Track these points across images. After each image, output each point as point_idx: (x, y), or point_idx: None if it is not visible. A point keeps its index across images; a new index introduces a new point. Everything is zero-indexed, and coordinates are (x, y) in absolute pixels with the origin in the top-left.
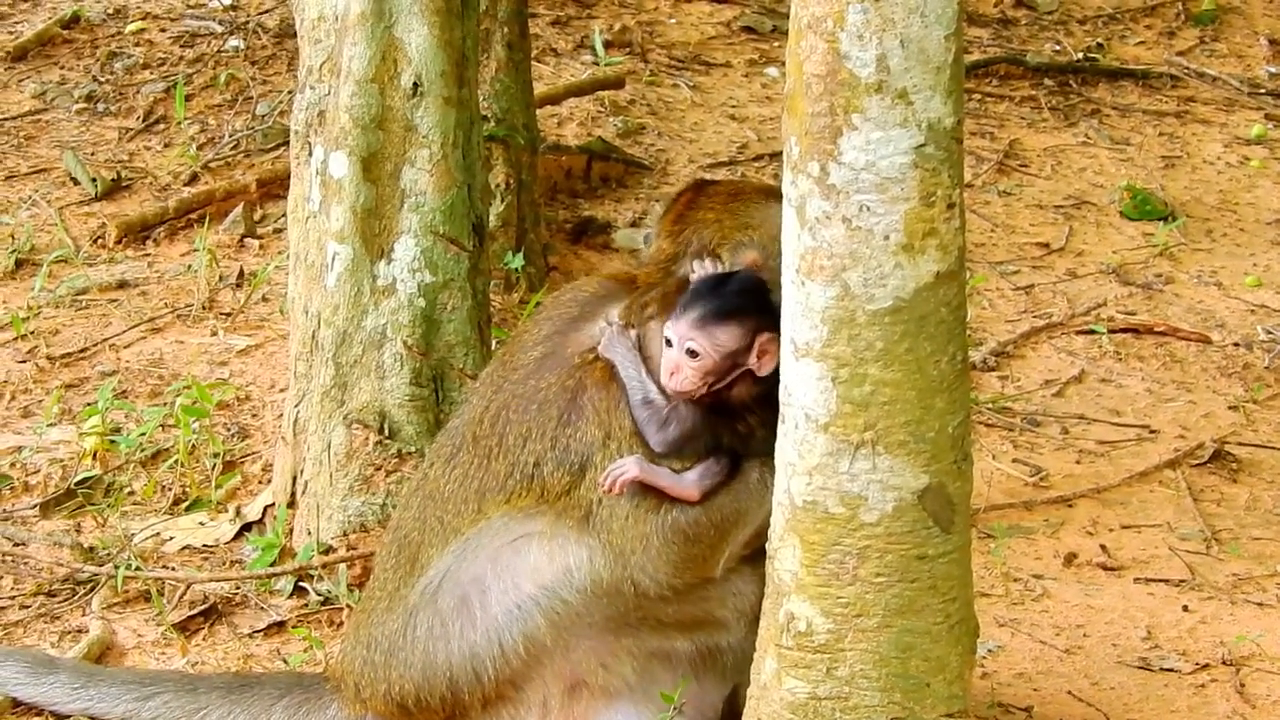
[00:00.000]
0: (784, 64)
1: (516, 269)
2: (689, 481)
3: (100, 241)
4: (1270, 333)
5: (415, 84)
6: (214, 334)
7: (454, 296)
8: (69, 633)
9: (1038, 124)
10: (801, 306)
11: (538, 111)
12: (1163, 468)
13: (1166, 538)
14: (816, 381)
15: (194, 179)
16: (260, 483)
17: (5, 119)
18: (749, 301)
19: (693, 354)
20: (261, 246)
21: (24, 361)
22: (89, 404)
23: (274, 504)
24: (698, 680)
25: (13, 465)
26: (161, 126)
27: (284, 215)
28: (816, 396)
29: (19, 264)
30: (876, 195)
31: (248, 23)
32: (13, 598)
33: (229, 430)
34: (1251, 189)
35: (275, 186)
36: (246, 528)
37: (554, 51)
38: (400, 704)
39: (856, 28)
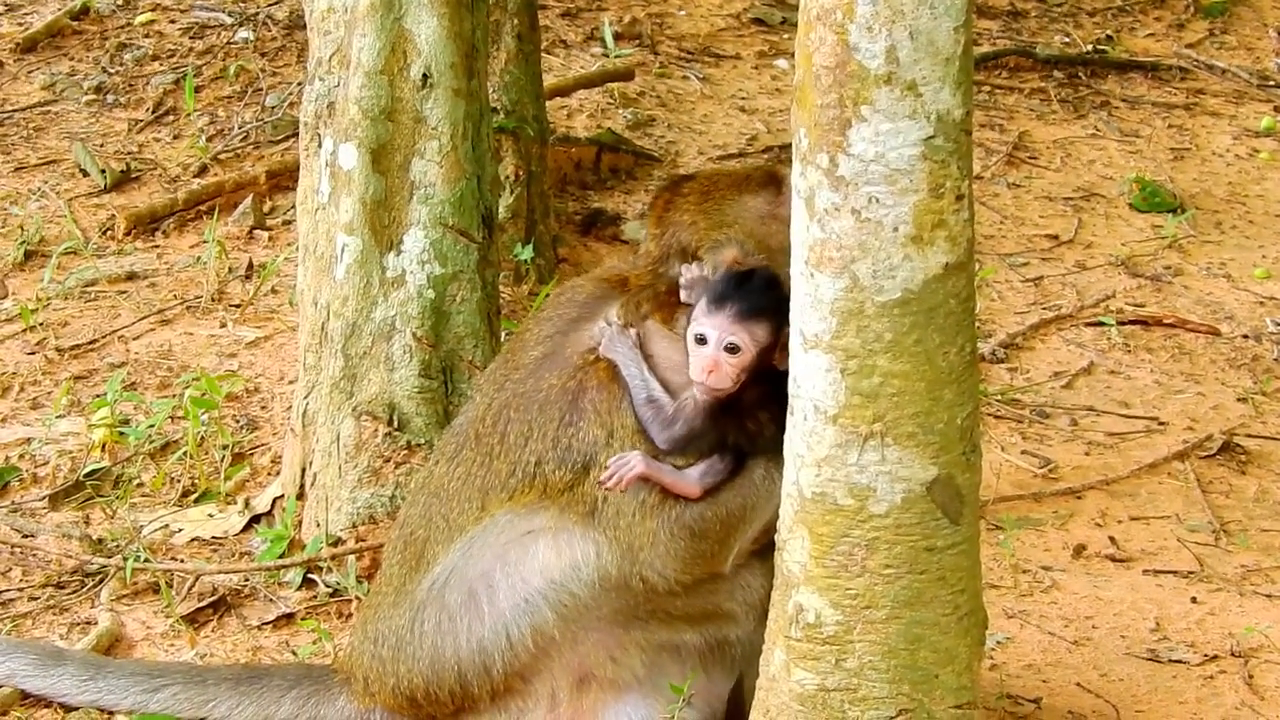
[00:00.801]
0: (793, 56)
1: (526, 260)
2: (691, 478)
3: (109, 233)
4: (1279, 325)
5: (425, 76)
6: (223, 326)
7: (463, 288)
8: (78, 624)
9: (1047, 116)
10: (810, 298)
11: (547, 103)
12: (1171, 459)
13: (1175, 529)
14: (825, 373)
15: (203, 171)
16: (269, 474)
17: (15, 110)
18: (775, 297)
19: (733, 350)
20: (271, 238)
21: (33, 353)
22: (98, 396)
23: (283, 496)
24: (706, 673)
25: (21, 457)
26: (171, 118)
27: (293, 207)
28: (825, 388)
29: (28, 255)
30: (885, 187)
31: (257, 14)
32: (21, 589)
33: (238, 422)
34: (1261, 181)
35: (284, 178)
36: (255, 519)
37: (564, 43)
38: (409, 698)
39: (866, 19)
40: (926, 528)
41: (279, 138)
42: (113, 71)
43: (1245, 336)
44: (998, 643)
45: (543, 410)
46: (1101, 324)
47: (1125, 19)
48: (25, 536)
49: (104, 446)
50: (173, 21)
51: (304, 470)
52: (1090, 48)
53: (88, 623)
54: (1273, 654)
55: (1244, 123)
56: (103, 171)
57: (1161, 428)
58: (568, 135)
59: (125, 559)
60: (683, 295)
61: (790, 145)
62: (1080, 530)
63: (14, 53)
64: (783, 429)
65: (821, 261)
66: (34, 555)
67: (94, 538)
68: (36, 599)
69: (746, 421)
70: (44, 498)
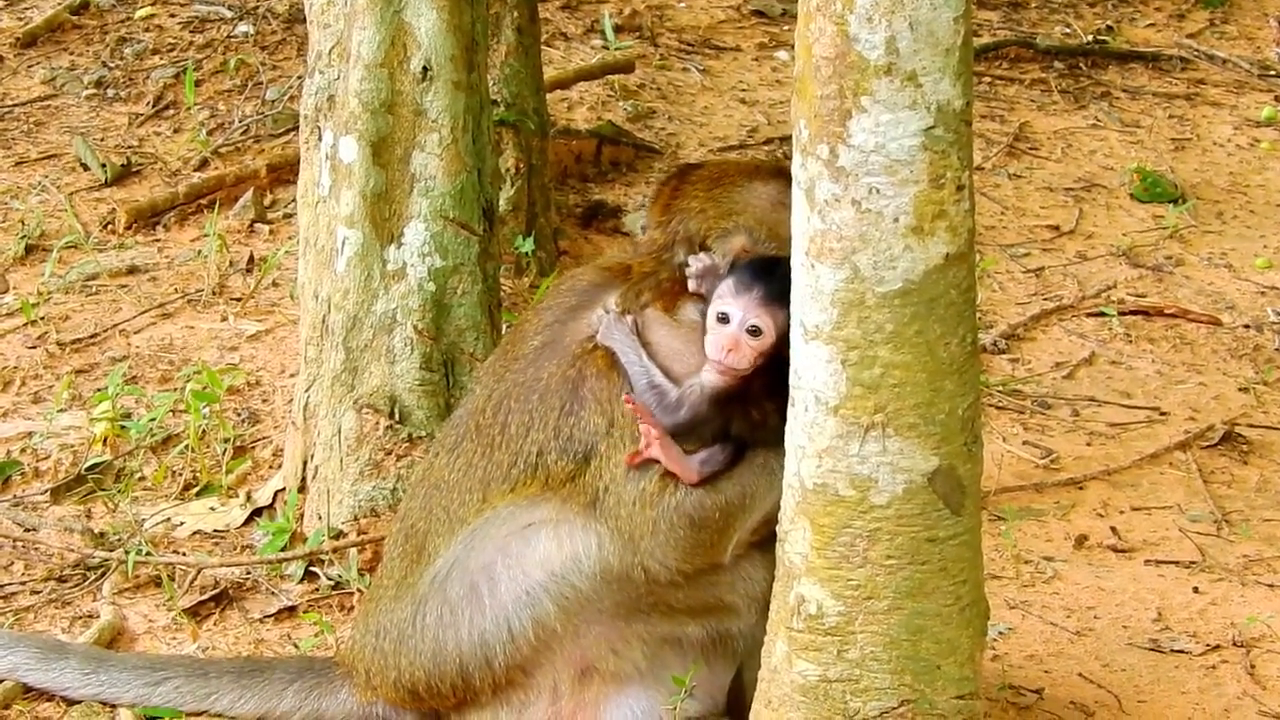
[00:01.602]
0: (793, 47)
1: (527, 253)
2: (692, 463)
3: (110, 227)
4: None
5: (425, 68)
6: (224, 319)
7: (464, 281)
8: (80, 618)
9: (1047, 107)
10: (811, 289)
11: (548, 96)
12: (1173, 450)
13: (1177, 519)
14: (826, 364)
15: (204, 164)
16: (271, 468)
17: (15, 105)
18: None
19: (755, 332)
20: (271, 231)
21: (34, 347)
22: (99, 389)
23: (284, 489)
24: (708, 665)
25: (23, 451)
26: (171, 112)
27: (294, 200)
28: (826, 379)
29: (29, 250)
30: (886, 178)
31: (257, 8)
32: (23, 583)
33: (239, 415)
34: (1262, 171)
35: (285, 171)
36: (257, 513)
37: (564, 36)
38: (411, 691)
39: (865, 10)
40: (928, 518)
41: (279, 131)
42: (113, 66)
43: (1246, 326)
44: (1000, 633)
45: (543, 399)
46: (1103, 314)
47: (1125, 9)
48: (27, 530)
49: (105, 440)
50: (173, 15)
51: (305, 463)
52: (1091, 38)
53: (90, 616)
54: (1275, 644)
55: (1245, 113)
56: (103, 166)
57: (1163, 418)
58: (568, 128)
59: (127, 552)
60: (691, 285)
61: (790, 137)
62: (1082, 521)
63: (14, 47)
64: (784, 421)
65: (822, 252)
66: (36, 549)
67: (96, 531)
68: (38, 593)
69: (751, 410)
70: (45, 492)
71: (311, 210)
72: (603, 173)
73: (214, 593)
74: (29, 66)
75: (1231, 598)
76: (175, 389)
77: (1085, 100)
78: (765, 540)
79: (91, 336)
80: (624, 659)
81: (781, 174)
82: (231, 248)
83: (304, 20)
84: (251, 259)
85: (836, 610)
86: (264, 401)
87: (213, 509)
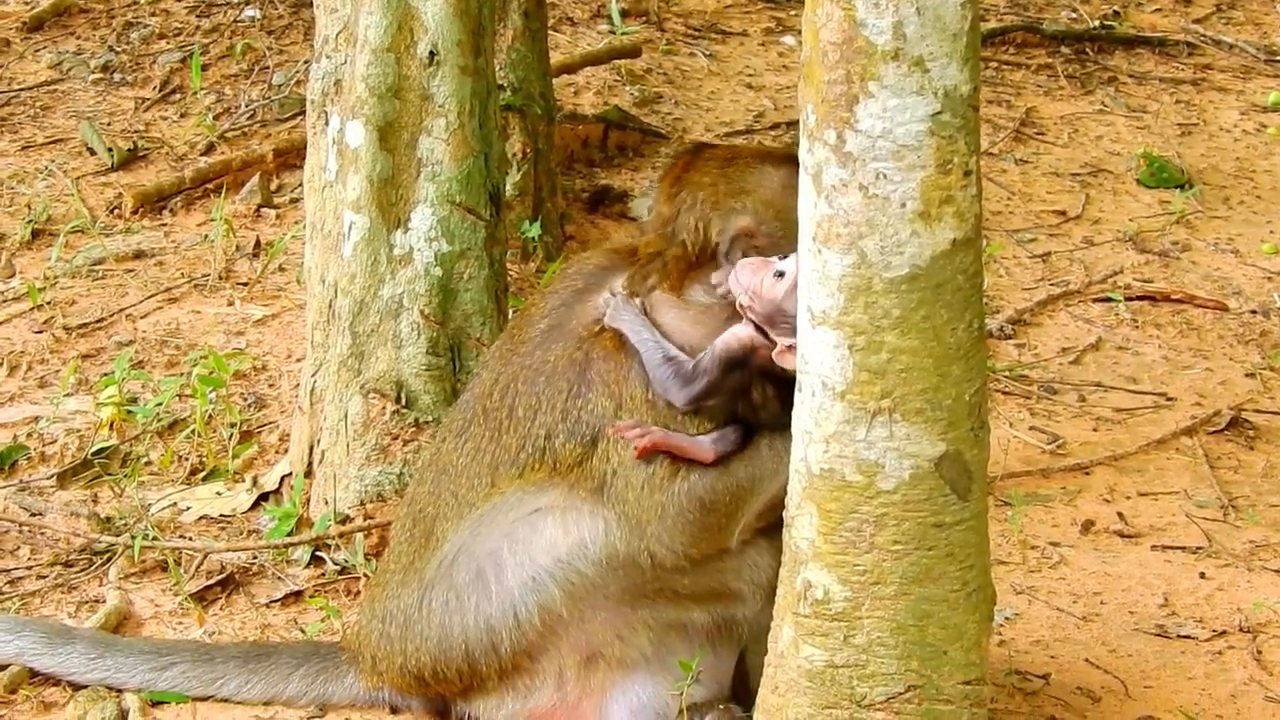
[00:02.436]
0: (800, 32)
1: (533, 238)
2: (705, 444)
3: (116, 212)
4: None
5: (431, 53)
6: (230, 304)
7: (471, 266)
8: (86, 603)
9: (1054, 92)
10: (818, 274)
11: (554, 80)
12: (1180, 435)
13: (1183, 505)
14: (833, 349)
15: (210, 149)
16: (277, 452)
17: (22, 89)
18: None
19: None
20: (278, 216)
21: (40, 332)
22: (106, 374)
23: (291, 474)
24: (714, 651)
25: (30, 436)
26: (178, 96)
27: (300, 185)
28: (833, 364)
29: (35, 234)
30: (893, 163)
31: None
32: (30, 568)
33: (246, 400)
34: (1268, 156)
35: (292, 156)
36: (263, 497)
37: (570, 20)
38: (417, 676)
39: None
40: (935, 504)
41: (286, 116)
42: (119, 50)
43: (1253, 312)
44: (1006, 619)
45: (550, 382)
46: (1109, 300)
47: None
48: (33, 515)
49: (112, 425)
50: (179, 0)
51: (312, 448)
52: (1097, 23)
53: (96, 601)
54: None
55: (1251, 98)
56: (110, 150)
57: (1170, 403)
58: (575, 113)
59: (133, 537)
60: (717, 279)
61: (797, 122)
62: (1088, 506)
63: (21, 31)
64: (786, 406)
65: (829, 238)
66: (42, 534)
67: (102, 516)
68: (45, 577)
69: (753, 389)
70: (52, 476)
71: (318, 195)
72: (609, 158)
73: (220, 578)
74: (35, 51)
75: (1238, 583)
76: (181, 374)
77: (1092, 85)
78: (771, 527)
79: (98, 321)
80: (630, 645)
81: (793, 160)
82: (238, 232)
83: (310, 4)
84: (258, 244)
85: (843, 595)
86: (270, 386)
87: (219, 494)
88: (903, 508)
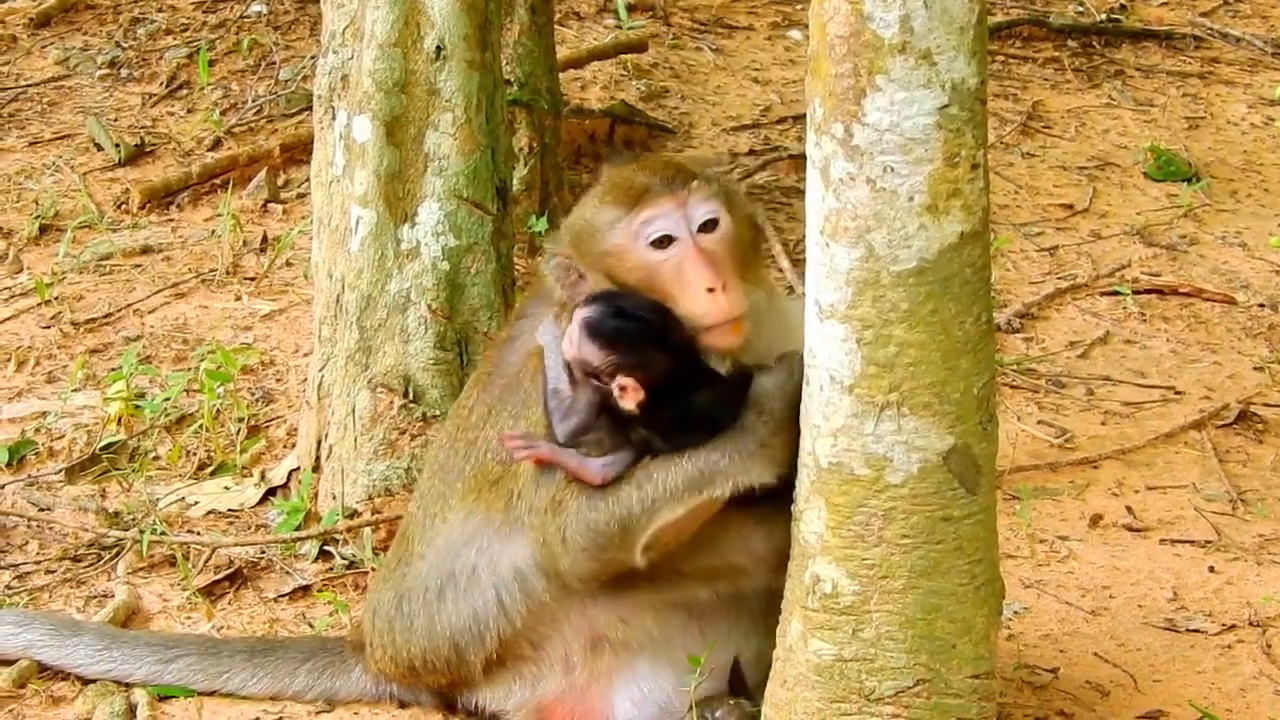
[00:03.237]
0: (807, 26)
1: (540, 233)
2: (594, 467)
3: (124, 207)
4: None
5: (438, 48)
6: (238, 299)
7: (478, 260)
8: (95, 597)
9: (1061, 85)
10: (826, 268)
11: (561, 75)
12: (1188, 429)
13: (1192, 499)
14: (841, 343)
15: (217, 144)
16: (285, 447)
17: (29, 85)
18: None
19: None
20: (285, 211)
21: (48, 327)
22: (113, 369)
23: (298, 468)
24: (725, 629)
25: (38, 431)
26: (185, 92)
27: (307, 180)
28: (841, 358)
29: (43, 230)
30: (900, 156)
31: None
32: (38, 563)
33: (253, 395)
34: (1276, 149)
35: (299, 151)
36: (271, 492)
37: (577, 15)
38: (410, 668)
39: None
40: (943, 497)
41: (293, 111)
42: (126, 46)
43: (1261, 305)
44: (1015, 613)
45: (501, 397)
46: (1117, 293)
47: None
48: (42, 510)
49: (120, 420)
50: None
51: (320, 442)
52: (1104, 17)
53: (105, 595)
54: None
55: (1259, 91)
56: (117, 146)
57: (1178, 397)
58: (581, 107)
59: (142, 532)
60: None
61: (804, 116)
62: (1097, 500)
63: (28, 28)
64: (678, 434)
65: (837, 231)
66: (51, 528)
67: (110, 511)
68: (53, 572)
69: (630, 431)
70: (60, 471)
71: (325, 190)
72: (616, 152)
73: (228, 572)
74: (43, 47)
75: (1247, 577)
76: (189, 368)
77: (1099, 79)
78: (751, 501)
79: (105, 316)
80: (634, 627)
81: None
82: (245, 227)
83: (317, 0)
84: (265, 239)
85: (852, 589)
86: (278, 381)
87: (227, 488)
88: (911, 501)
